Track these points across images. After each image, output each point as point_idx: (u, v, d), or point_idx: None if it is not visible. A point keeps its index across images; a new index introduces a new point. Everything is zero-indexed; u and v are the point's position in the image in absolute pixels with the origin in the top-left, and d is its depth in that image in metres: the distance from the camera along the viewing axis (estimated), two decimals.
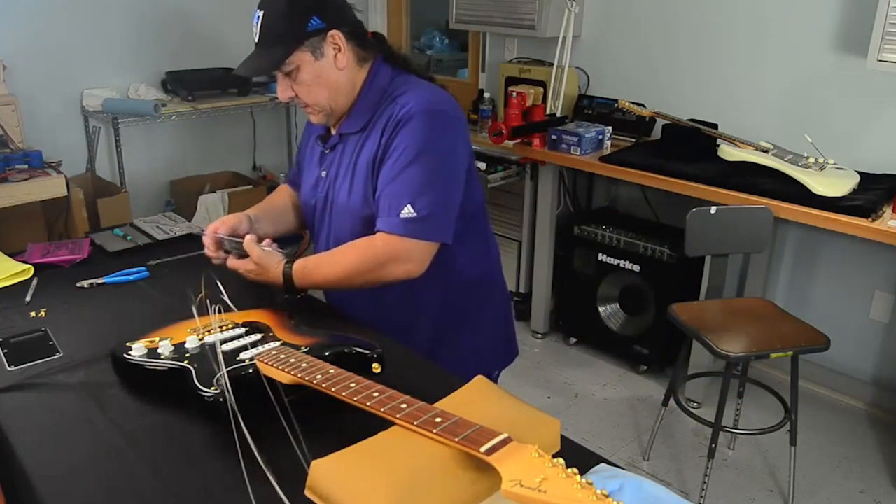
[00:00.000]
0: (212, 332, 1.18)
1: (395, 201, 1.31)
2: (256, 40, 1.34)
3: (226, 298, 1.34)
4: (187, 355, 1.11)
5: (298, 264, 1.38)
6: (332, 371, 1.00)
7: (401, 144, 1.32)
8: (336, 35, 1.33)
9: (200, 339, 1.15)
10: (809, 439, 2.61)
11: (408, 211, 1.30)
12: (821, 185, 2.36)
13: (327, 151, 1.47)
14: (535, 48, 3.48)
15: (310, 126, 1.55)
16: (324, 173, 1.48)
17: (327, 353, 1.08)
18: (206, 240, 1.48)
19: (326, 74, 1.35)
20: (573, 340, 3.27)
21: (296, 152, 1.70)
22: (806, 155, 2.53)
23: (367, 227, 1.38)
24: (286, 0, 1.31)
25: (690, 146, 2.73)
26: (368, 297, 1.43)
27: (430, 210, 1.31)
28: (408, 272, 1.33)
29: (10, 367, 1.22)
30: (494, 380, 1.63)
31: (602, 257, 3.02)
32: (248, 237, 1.41)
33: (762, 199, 2.38)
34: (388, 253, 1.31)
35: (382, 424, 0.89)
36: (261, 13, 1.32)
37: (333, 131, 1.48)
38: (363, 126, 1.40)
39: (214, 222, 1.49)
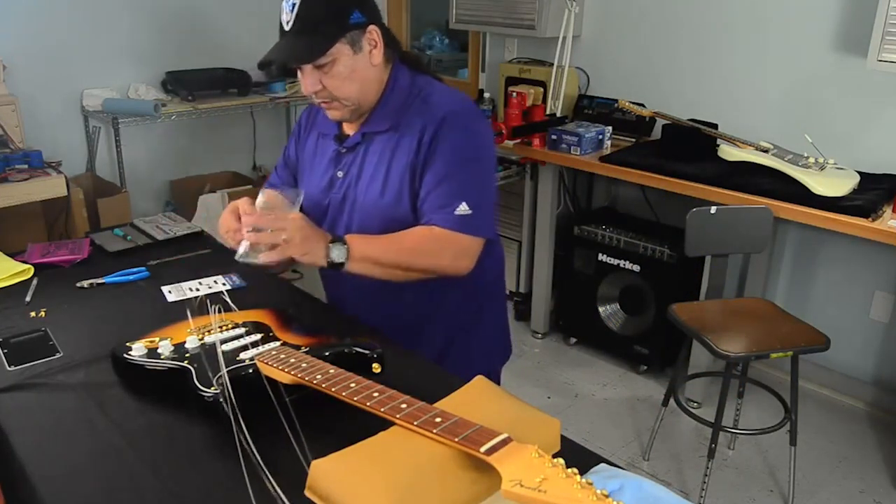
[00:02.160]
0: (212, 332, 1.18)
1: (448, 200, 1.33)
2: (289, 28, 1.30)
3: (226, 298, 1.34)
4: (187, 355, 1.11)
5: (351, 235, 1.32)
6: (332, 371, 1.00)
7: (447, 147, 1.34)
8: (374, 30, 1.33)
9: (200, 339, 1.15)
10: (809, 439, 2.61)
11: (463, 209, 1.32)
12: (821, 185, 2.36)
13: (344, 151, 1.45)
14: (535, 48, 3.48)
15: (318, 125, 1.52)
16: (340, 174, 1.45)
17: (327, 353, 1.08)
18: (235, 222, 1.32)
19: (361, 69, 1.34)
20: (573, 340, 3.27)
21: (283, 156, 1.64)
22: (806, 155, 2.53)
23: (398, 227, 1.37)
24: None
25: (690, 146, 2.73)
26: (386, 297, 1.42)
27: (483, 208, 1.35)
28: (461, 267, 1.36)
29: (10, 367, 1.22)
30: (497, 378, 1.64)
31: (602, 257, 3.02)
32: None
33: (762, 199, 2.38)
34: (448, 245, 1.33)
35: (382, 424, 0.89)
36: (297, 0, 1.29)
37: (350, 131, 1.45)
38: (390, 126, 1.39)
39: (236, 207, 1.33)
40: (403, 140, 1.37)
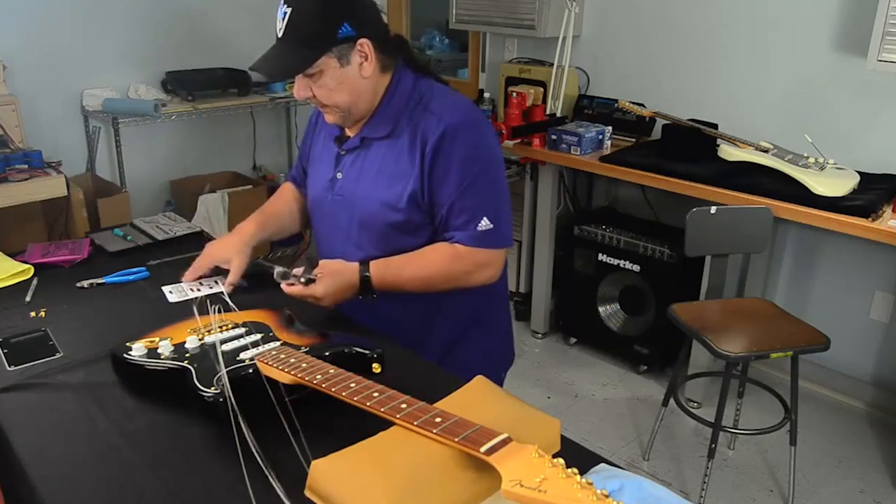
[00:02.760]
0: (212, 332, 1.18)
1: (470, 215, 1.36)
2: (279, 36, 1.31)
3: (226, 298, 1.34)
4: (187, 355, 1.11)
5: (377, 263, 1.38)
6: (332, 371, 1.00)
7: (456, 159, 1.34)
8: (365, 44, 1.31)
9: (200, 339, 1.15)
10: (809, 439, 2.61)
11: (485, 224, 1.36)
12: (821, 185, 2.36)
13: (343, 153, 1.46)
14: (535, 48, 3.48)
15: (325, 125, 1.52)
16: (339, 175, 1.46)
17: (327, 353, 1.08)
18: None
19: (350, 81, 1.34)
20: (573, 340, 3.27)
21: (300, 148, 1.68)
22: (806, 155, 2.53)
23: (396, 231, 1.39)
24: (320, 1, 1.28)
25: (690, 146, 2.73)
26: (387, 300, 1.42)
27: (502, 218, 1.39)
28: (490, 277, 1.41)
29: (10, 367, 1.22)
30: (501, 381, 1.64)
31: (602, 257, 3.02)
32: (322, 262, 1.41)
33: (762, 199, 2.38)
34: (475, 263, 1.38)
35: (382, 424, 0.89)
36: (288, 10, 1.28)
37: (351, 133, 1.45)
38: (390, 132, 1.39)
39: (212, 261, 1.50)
40: (404, 147, 1.37)
